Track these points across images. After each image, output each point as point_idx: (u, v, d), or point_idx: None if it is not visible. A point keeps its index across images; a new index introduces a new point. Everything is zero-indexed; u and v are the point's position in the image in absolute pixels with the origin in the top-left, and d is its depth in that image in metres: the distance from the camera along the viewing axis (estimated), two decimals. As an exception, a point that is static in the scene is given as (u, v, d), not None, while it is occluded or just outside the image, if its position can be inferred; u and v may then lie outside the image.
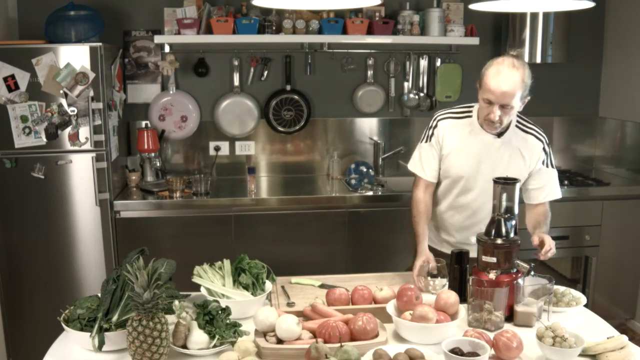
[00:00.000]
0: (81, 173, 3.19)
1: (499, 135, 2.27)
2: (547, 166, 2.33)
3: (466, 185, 2.34)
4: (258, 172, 3.96)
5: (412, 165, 2.44)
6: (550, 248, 2.12)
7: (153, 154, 3.65)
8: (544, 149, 2.31)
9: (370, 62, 3.90)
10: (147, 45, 3.74)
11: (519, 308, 1.92)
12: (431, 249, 2.41)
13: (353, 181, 3.79)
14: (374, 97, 3.93)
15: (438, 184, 2.43)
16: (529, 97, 2.21)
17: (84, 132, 3.15)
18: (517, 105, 2.17)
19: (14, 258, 3.23)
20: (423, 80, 3.97)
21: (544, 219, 2.33)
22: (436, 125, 2.36)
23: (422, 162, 2.39)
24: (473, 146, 2.30)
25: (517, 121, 2.31)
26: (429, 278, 2.12)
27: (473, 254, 2.15)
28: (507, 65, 2.10)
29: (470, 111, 2.33)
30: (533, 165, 2.31)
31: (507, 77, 2.09)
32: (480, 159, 2.30)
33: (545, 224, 2.32)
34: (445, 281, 2.10)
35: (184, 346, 1.69)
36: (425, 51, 3.91)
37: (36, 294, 3.25)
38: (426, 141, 2.38)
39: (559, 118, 4.19)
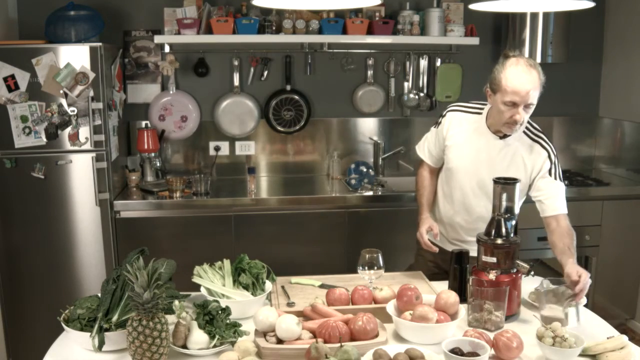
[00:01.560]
0: (81, 173, 3.19)
1: (503, 137, 2.26)
2: (554, 177, 2.26)
3: (461, 180, 2.36)
4: (258, 172, 3.96)
5: (418, 148, 2.54)
6: (584, 287, 1.97)
7: (153, 154, 3.65)
8: (549, 157, 2.26)
9: (370, 62, 3.90)
10: (147, 45, 3.74)
11: (545, 313, 1.88)
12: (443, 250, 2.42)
13: (353, 181, 3.79)
14: (374, 97, 3.93)
15: (440, 171, 2.49)
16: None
17: (84, 132, 3.15)
18: (536, 102, 2.14)
19: (14, 258, 3.22)
20: (423, 80, 3.97)
21: (570, 241, 2.15)
22: (445, 115, 2.40)
23: (425, 146, 2.49)
24: (475, 144, 2.31)
25: (526, 127, 2.27)
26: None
27: (472, 252, 2.15)
28: (524, 64, 2.10)
29: (482, 109, 2.33)
30: (535, 173, 2.26)
31: (528, 76, 2.08)
32: (480, 158, 2.29)
33: (572, 247, 2.15)
34: (381, 272, 2.07)
35: (184, 346, 1.69)
36: (425, 51, 3.91)
37: (36, 294, 3.25)
38: (436, 127, 2.45)
39: (559, 118, 4.19)
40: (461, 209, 2.39)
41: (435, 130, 2.44)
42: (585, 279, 1.97)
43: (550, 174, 2.25)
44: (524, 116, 2.13)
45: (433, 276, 2.40)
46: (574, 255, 2.12)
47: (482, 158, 2.29)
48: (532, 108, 2.15)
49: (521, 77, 2.08)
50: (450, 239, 2.46)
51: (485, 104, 2.32)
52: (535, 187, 2.26)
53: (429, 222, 2.34)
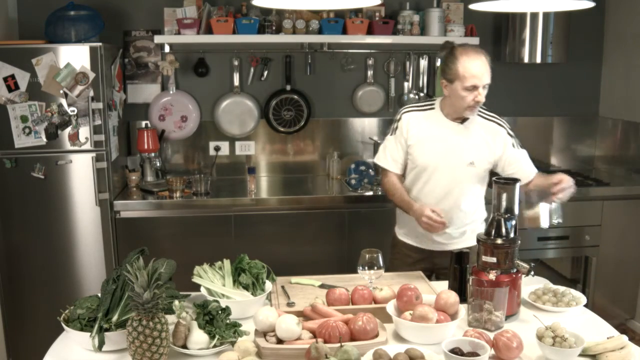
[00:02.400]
0: (81, 173, 3.19)
1: (462, 122, 2.44)
2: (517, 148, 2.48)
3: (432, 174, 2.46)
4: (258, 172, 3.96)
5: (379, 159, 2.60)
6: (570, 185, 2.20)
7: (153, 154, 3.65)
8: (508, 133, 2.48)
9: (370, 62, 3.90)
10: (147, 45, 3.74)
11: (529, 212, 2.08)
12: (404, 245, 2.59)
13: (353, 181, 3.79)
14: (374, 97, 3.93)
15: (404, 176, 2.57)
16: None
17: (84, 132, 3.15)
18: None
19: (14, 258, 3.23)
20: (423, 80, 3.97)
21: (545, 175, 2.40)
22: (400, 118, 2.52)
23: (387, 154, 2.55)
24: (438, 135, 2.45)
25: (478, 110, 2.47)
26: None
27: (440, 247, 2.47)
28: (472, 51, 2.34)
29: (433, 104, 2.51)
30: (499, 151, 2.46)
31: (480, 60, 2.33)
32: (446, 146, 2.44)
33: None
34: (381, 272, 2.07)
35: (184, 346, 1.69)
36: (425, 51, 3.91)
37: (36, 294, 3.25)
38: (391, 134, 2.55)
39: (559, 118, 4.19)
40: (437, 201, 2.45)
41: (393, 137, 2.54)
42: (567, 180, 2.21)
43: (513, 146, 2.47)
44: (484, 96, 2.35)
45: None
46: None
47: (449, 146, 2.43)
48: (487, 88, 2.37)
49: (475, 62, 2.32)
50: (429, 237, 2.52)
51: (434, 100, 2.53)
52: (505, 163, 2.46)
53: (427, 207, 2.35)
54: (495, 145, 2.45)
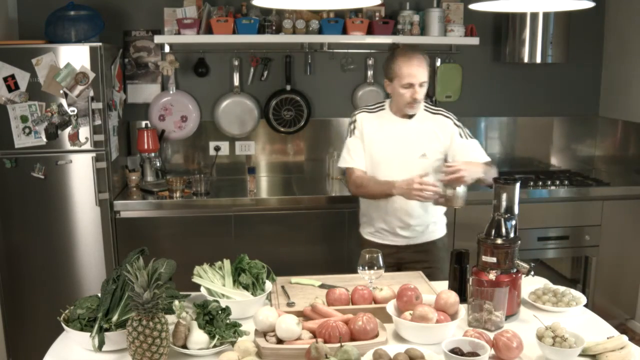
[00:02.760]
0: (81, 173, 3.19)
1: (410, 118, 2.59)
2: (466, 138, 2.62)
3: (387, 169, 2.58)
4: (258, 172, 3.96)
5: (343, 161, 2.70)
6: (453, 172, 2.35)
7: (153, 154, 3.65)
8: (454, 123, 2.62)
9: (370, 62, 3.89)
10: (147, 45, 3.74)
11: (449, 192, 2.35)
12: (370, 243, 2.68)
13: (353, 181, 3.79)
14: (374, 97, 3.92)
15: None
16: None
17: (84, 132, 3.15)
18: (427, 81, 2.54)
19: (14, 258, 3.23)
20: (423, 80, 3.96)
21: (479, 165, 2.52)
22: (355, 120, 2.68)
23: (351, 155, 2.67)
24: (389, 132, 2.60)
25: (425, 106, 2.64)
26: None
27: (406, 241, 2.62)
28: (409, 51, 2.52)
29: (383, 104, 2.67)
30: (447, 141, 2.59)
31: (415, 59, 2.49)
32: (397, 141, 2.59)
33: (479, 166, 2.51)
34: (381, 272, 2.08)
35: (184, 346, 1.69)
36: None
37: (36, 294, 3.25)
38: (350, 136, 2.69)
39: (559, 118, 4.19)
40: (396, 197, 2.53)
41: (353, 137, 2.67)
42: (458, 168, 2.36)
43: (461, 136, 2.61)
44: (421, 93, 2.51)
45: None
46: (476, 165, 2.49)
47: (400, 140, 2.58)
48: (426, 86, 2.53)
49: (411, 61, 2.49)
50: (391, 230, 2.66)
51: (384, 101, 2.69)
52: (455, 152, 2.58)
53: (410, 179, 2.42)
54: (444, 136, 2.60)
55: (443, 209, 2.71)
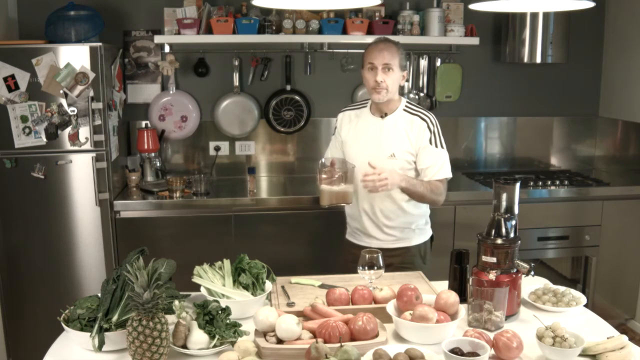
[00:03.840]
0: (81, 173, 3.19)
1: (384, 117, 2.55)
2: (435, 146, 2.51)
3: (359, 168, 2.50)
4: (258, 172, 3.96)
5: (325, 159, 2.67)
6: (376, 175, 2.32)
7: (153, 154, 3.65)
8: (428, 127, 2.51)
9: (370, 62, 3.89)
10: (147, 45, 3.74)
11: (337, 188, 2.38)
12: (350, 244, 2.73)
13: (353, 181, 3.79)
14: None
15: None
16: (407, 71, 2.57)
17: (84, 132, 3.16)
18: (398, 71, 2.47)
19: (14, 258, 3.23)
20: (423, 80, 3.97)
21: (425, 184, 2.48)
22: (337, 119, 2.71)
23: (331, 152, 2.72)
24: (360, 129, 2.60)
25: (406, 106, 2.57)
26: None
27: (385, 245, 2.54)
28: (381, 39, 2.51)
29: (366, 103, 2.66)
30: (418, 143, 2.51)
31: (382, 43, 2.47)
32: (367, 140, 2.57)
33: (421, 184, 2.46)
34: (381, 272, 2.08)
35: (184, 346, 1.69)
36: (425, 51, 3.91)
37: (36, 294, 3.25)
38: (333, 134, 2.74)
39: (559, 118, 4.19)
40: (370, 195, 2.51)
41: (333, 137, 2.73)
42: (375, 178, 2.33)
43: (430, 142, 2.51)
44: (383, 78, 2.43)
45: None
46: (413, 183, 2.45)
47: (369, 139, 2.56)
48: (393, 74, 2.45)
49: (376, 45, 2.48)
50: (364, 231, 2.65)
51: (368, 100, 2.64)
52: (418, 157, 2.52)
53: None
54: (415, 138, 2.52)
55: (424, 215, 2.66)
